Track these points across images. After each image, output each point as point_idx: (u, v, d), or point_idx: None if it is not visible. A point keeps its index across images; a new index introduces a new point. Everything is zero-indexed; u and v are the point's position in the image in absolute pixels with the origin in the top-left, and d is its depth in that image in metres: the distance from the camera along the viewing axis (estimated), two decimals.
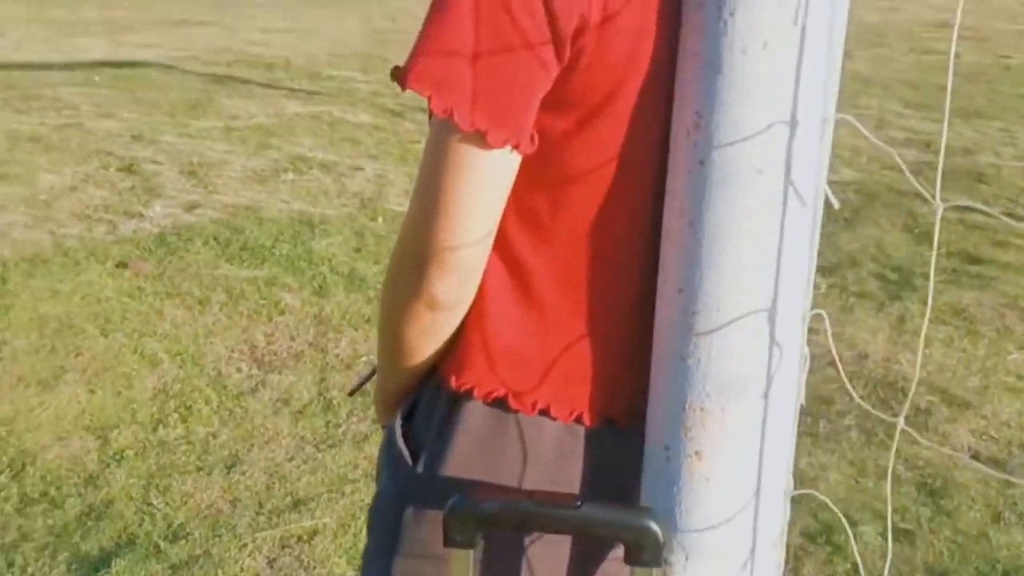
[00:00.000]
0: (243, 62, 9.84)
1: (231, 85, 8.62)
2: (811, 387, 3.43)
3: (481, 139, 0.86)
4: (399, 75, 0.88)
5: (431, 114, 0.88)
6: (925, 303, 4.33)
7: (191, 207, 5.20)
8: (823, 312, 0.97)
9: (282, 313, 3.95)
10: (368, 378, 1.17)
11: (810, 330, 3.43)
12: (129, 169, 5.83)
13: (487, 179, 0.89)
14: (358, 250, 4.65)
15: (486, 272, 0.96)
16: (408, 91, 0.88)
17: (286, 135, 6.89)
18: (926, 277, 4.62)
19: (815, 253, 0.96)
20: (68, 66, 9.11)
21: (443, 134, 0.88)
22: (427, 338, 0.99)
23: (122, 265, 4.31)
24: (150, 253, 4.49)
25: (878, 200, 5.79)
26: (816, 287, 4.57)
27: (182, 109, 7.54)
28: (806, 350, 0.97)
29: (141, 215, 5.03)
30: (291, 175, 5.91)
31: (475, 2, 0.84)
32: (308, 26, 12.81)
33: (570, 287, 0.98)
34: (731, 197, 0.87)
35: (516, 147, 0.88)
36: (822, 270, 4.69)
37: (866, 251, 4.97)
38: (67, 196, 5.28)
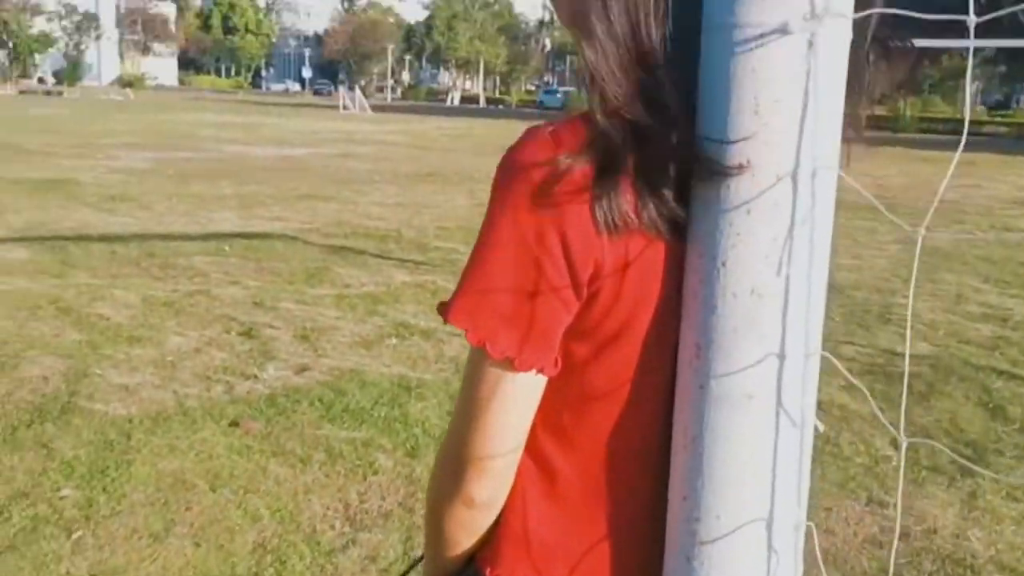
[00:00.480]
0: (359, 234, 10.24)
1: (347, 255, 8.97)
2: (880, 560, 3.35)
3: (510, 364, 0.96)
4: (443, 311, 0.98)
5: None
6: (998, 480, 4.21)
7: (301, 370, 5.39)
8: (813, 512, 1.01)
9: (376, 473, 4.04)
10: (417, 562, 1.25)
11: (880, 503, 3.37)
12: (248, 333, 6.08)
13: (516, 398, 0.98)
14: (451, 413, 4.74)
15: (519, 472, 1.04)
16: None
17: (392, 302, 7.11)
18: (1000, 453, 4.51)
19: (807, 468, 1.01)
20: (203, 237, 9.60)
21: (478, 359, 0.98)
22: (465, 532, 1.07)
23: (234, 424, 4.47)
24: (260, 413, 4.65)
25: (953, 374, 5.69)
26: (888, 459, 4.50)
27: (301, 277, 7.85)
28: (800, 557, 1.01)
29: (256, 377, 5.22)
30: (394, 340, 6.08)
31: (507, 253, 0.94)
32: (420, 200, 13.30)
33: (593, 488, 1.05)
34: (727, 419, 0.94)
35: (541, 370, 0.97)
36: (894, 443, 4.61)
37: (940, 425, 4.87)
38: (191, 358, 5.53)
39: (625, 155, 0.91)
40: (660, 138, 0.91)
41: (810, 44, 0.85)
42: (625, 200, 0.92)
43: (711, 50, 0.89)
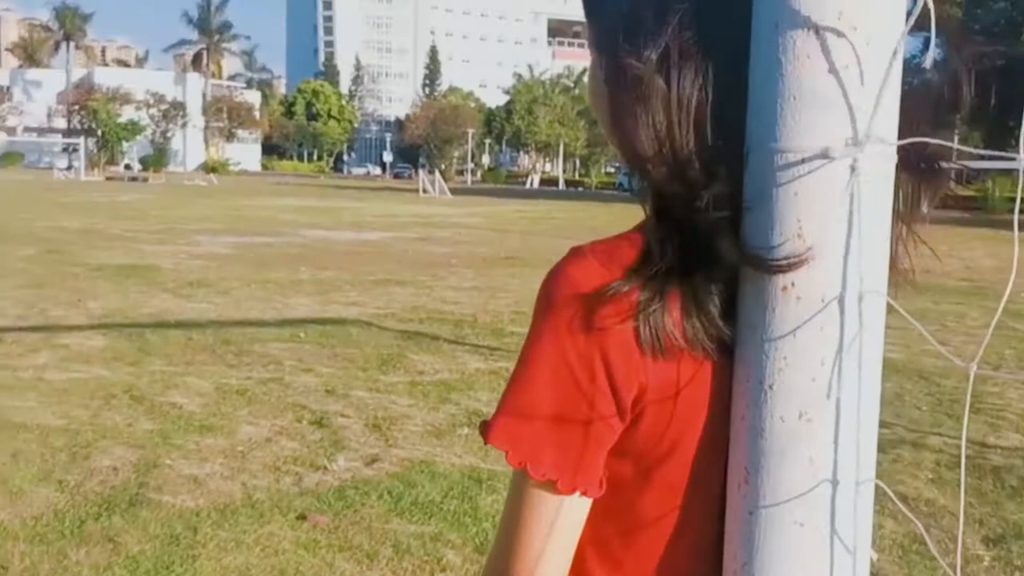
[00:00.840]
0: (434, 319, 10.32)
1: (421, 341, 9.03)
2: None
3: (552, 486, 0.95)
4: (483, 431, 0.99)
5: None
6: None
7: (371, 461, 5.40)
8: None
9: (444, 570, 4.00)
10: None
11: None
12: (320, 423, 6.13)
13: (559, 521, 0.97)
14: None
15: None
16: None
17: (465, 390, 7.13)
18: None
19: None
20: (279, 323, 9.78)
21: (520, 481, 0.98)
22: None
23: (302, 517, 4.49)
24: (329, 506, 4.66)
25: None
26: (979, 559, 4.32)
27: (374, 364, 7.93)
28: None
29: (325, 468, 5.25)
30: (466, 429, 6.07)
31: (549, 374, 0.94)
32: (497, 284, 13.40)
33: None
34: (778, 546, 0.93)
35: (585, 492, 0.96)
36: (986, 541, 4.43)
37: None
38: (262, 448, 5.59)
39: (672, 278, 0.92)
40: (706, 261, 0.92)
41: (853, 169, 0.85)
42: (671, 321, 0.92)
43: (754, 172, 0.90)
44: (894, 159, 0.88)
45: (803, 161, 0.86)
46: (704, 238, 0.91)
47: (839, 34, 0.85)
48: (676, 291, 0.92)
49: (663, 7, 0.93)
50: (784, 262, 0.86)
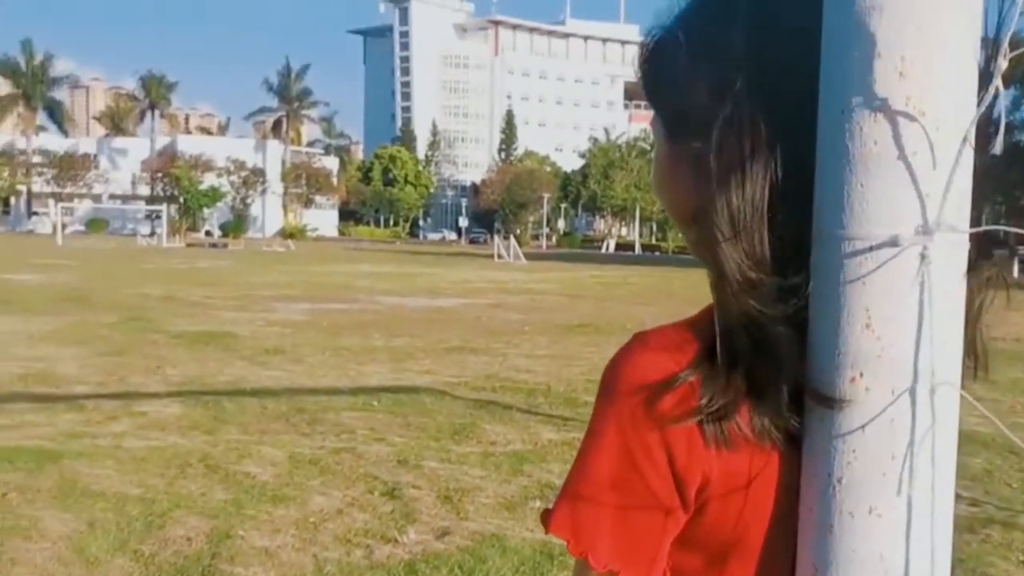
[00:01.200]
0: (507, 387, 10.31)
1: (494, 410, 9.02)
2: None
3: None
4: (545, 520, 0.98)
5: None
6: None
7: (442, 534, 5.38)
8: None
9: None
10: None
11: None
12: (391, 494, 6.14)
13: None
14: None
15: None
16: None
17: (538, 461, 7.08)
18: None
19: None
20: (352, 391, 9.85)
21: (581, 571, 0.97)
22: None
23: None
24: None
25: None
26: None
27: (447, 434, 7.93)
28: None
29: (396, 541, 5.24)
30: (538, 502, 6.02)
31: (612, 464, 0.94)
32: (571, 352, 13.37)
33: None
34: None
35: None
36: None
37: None
38: (333, 519, 5.60)
39: (738, 368, 0.91)
40: (772, 352, 0.90)
41: (923, 258, 0.83)
42: (737, 412, 0.91)
43: (821, 261, 0.89)
44: (966, 247, 0.87)
45: (871, 249, 0.85)
46: (770, 330, 0.90)
47: (908, 119, 0.85)
48: (742, 382, 0.91)
49: (729, 94, 0.93)
50: (845, 403, 0.86)
